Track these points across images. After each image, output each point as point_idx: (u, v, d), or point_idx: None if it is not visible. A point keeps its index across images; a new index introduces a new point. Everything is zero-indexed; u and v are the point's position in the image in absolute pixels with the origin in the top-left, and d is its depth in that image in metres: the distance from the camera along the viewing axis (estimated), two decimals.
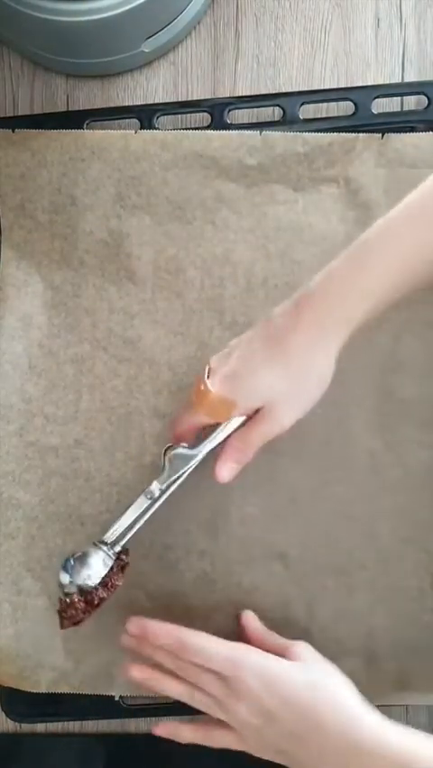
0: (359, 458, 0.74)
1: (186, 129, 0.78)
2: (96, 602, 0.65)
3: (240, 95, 0.81)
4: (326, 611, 0.74)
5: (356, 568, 0.74)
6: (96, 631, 0.73)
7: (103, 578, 0.65)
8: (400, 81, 0.81)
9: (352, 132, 0.76)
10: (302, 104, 0.77)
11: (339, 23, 0.81)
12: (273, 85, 0.81)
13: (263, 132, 0.76)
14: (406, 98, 0.79)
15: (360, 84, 0.80)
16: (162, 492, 0.66)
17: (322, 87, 0.81)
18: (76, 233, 0.77)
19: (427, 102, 0.77)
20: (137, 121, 0.78)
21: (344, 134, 0.75)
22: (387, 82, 0.81)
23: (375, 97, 0.77)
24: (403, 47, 0.80)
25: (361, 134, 0.75)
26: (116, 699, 0.74)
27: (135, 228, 0.77)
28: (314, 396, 0.63)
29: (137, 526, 0.66)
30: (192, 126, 0.79)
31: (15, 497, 0.76)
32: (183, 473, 0.66)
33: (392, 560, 0.74)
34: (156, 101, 0.82)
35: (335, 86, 0.80)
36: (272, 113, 0.79)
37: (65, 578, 0.65)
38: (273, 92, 0.81)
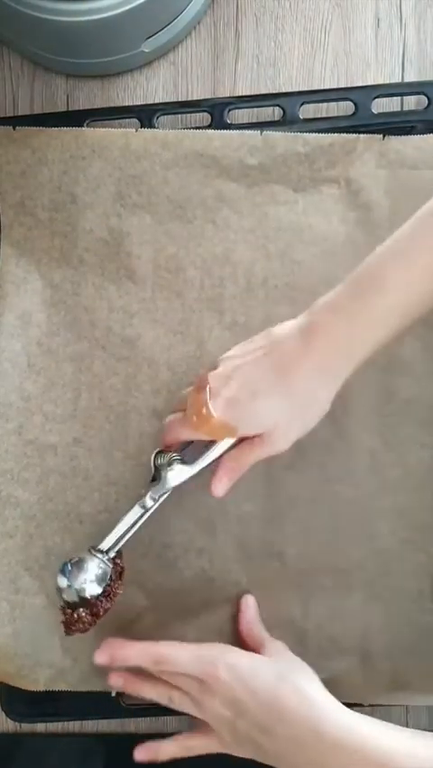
0: (359, 457, 0.75)
1: (186, 129, 0.78)
2: (101, 613, 0.66)
3: (240, 95, 0.81)
4: (322, 610, 0.74)
5: (355, 568, 0.74)
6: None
7: (105, 588, 0.66)
8: (400, 81, 0.81)
9: (352, 132, 0.76)
10: (302, 104, 0.77)
11: (339, 23, 0.81)
12: (273, 85, 0.81)
13: (264, 131, 0.76)
14: (406, 98, 0.79)
15: (360, 84, 0.80)
16: (155, 502, 0.67)
17: (322, 87, 0.81)
18: (76, 231, 0.77)
19: (427, 102, 0.77)
20: (137, 121, 0.78)
21: (345, 135, 0.76)
22: (387, 82, 0.81)
23: (375, 97, 0.77)
24: (403, 47, 0.80)
25: (362, 135, 0.75)
26: (113, 695, 0.74)
27: (135, 227, 0.77)
28: (312, 423, 0.64)
29: (129, 534, 0.67)
30: (192, 126, 0.79)
31: (14, 495, 0.75)
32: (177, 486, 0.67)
33: (391, 560, 0.74)
34: (156, 101, 0.82)
35: (335, 87, 0.80)
36: (272, 113, 0.79)
37: (63, 581, 0.66)
38: (273, 92, 0.81)
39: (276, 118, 0.78)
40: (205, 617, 0.74)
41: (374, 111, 0.77)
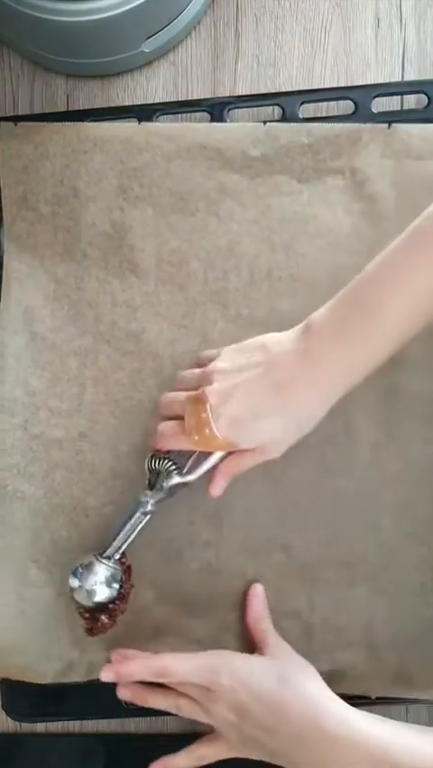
0: (362, 451, 0.75)
1: None
2: (118, 615, 0.71)
3: (240, 94, 0.81)
4: (327, 602, 0.74)
5: (358, 561, 0.74)
6: None
7: (119, 591, 0.70)
8: (400, 80, 0.80)
9: None
10: (302, 103, 0.77)
11: (339, 23, 0.80)
12: (273, 85, 0.81)
13: (267, 123, 0.75)
14: (406, 98, 0.78)
15: (360, 84, 0.79)
16: (155, 508, 0.70)
17: (322, 87, 0.80)
18: (78, 225, 0.77)
19: (427, 100, 0.76)
20: (136, 120, 0.77)
21: (350, 125, 0.75)
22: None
23: (375, 96, 0.76)
24: (403, 47, 0.80)
25: (367, 125, 0.75)
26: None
27: (138, 220, 0.76)
28: (305, 433, 0.66)
29: (131, 537, 0.70)
30: None
31: (20, 489, 0.76)
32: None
33: (394, 554, 0.74)
34: (156, 101, 0.82)
35: (334, 86, 0.80)
36: (272, 112, 0.78)
37: (74, 582, 0.69)
38: (273, 91, 0.80)
39: (276, 118, 0.78)
40: (211, 610, 0.75)
41: (374, 110, 0.76)
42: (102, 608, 0.70)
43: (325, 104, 0.78)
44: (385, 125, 0.74)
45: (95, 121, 0.78)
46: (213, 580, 0.75)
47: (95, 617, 0.70)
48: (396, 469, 0.74)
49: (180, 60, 0.82)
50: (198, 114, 0.78)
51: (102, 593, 0.69)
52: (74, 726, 0.79)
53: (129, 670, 0.69)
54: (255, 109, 0.78)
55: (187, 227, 0.76)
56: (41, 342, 0.77)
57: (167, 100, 0.82)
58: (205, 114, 0.78)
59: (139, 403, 0.76)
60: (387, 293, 0.61)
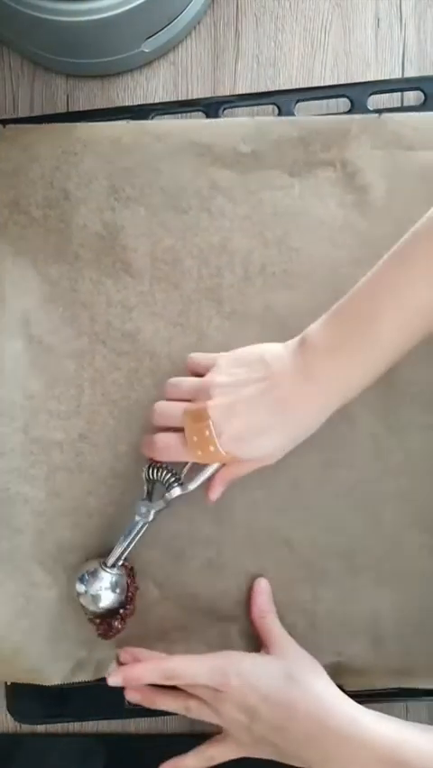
0: (362, 442, 0.75)
1: None
2: (128, 617, 0.74)
3: (237, 94, 0.81)
4: (331, 594, 0.75)
5: (361, 551, 0.75)
6: None
7: (126, 595, 0.73)
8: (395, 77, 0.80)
9: None
10: (298, 101, 0.77)
11: (339, 23, 0.80)
12: (273, 85, 0.81)
13: (256, 117, 0.75)
14: (406, 96, 0.78)
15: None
16: (155, 517, 0.72)
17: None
18: (70, 227, 0.76)
19: (424, 97, 0.76)
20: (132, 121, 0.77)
21: (339, 117, 0.75)
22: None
23: (371, 94, 0.76)
24: (403, 47, 0.80)
25: (357, 116, 0.74)
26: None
27: (130, 220, 0.76)
28: (301, 441, 0.68)
29: (132, 544, 0.72)
30: None
31: (22, 492, 0.76)
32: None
33: (397, 543, 0.74)
34: (156, 101, 0.82)
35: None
36: (268, 111, 0.78)
37: (81, 587, 0.72)
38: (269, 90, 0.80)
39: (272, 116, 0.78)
40: (215, 606, 0.75)
41: (370, 108, 0.76)
42: (113, 613, 0.73)
43: (321, 102, 0.78)
44: (375, 116, 0.74)
45: (90, 122, 0.77)
46: (216, 577, 0.75)
47: (107, 622, 0.73)
48: (396, 458, 0.74)
49: (180, 60, 0.82)
50: (194, 114, 0.78)
51: (107, 598, 0.71)
52: (74, 726, 0.80)
53: (137, 674, 0.69)
54: (251, 108, 0.78)
55: (179, 225, 0.76)
56: (38, 345, 0.77)
57: (167, 100, 0.82)
58: (201, 113, 0.78)
59: (137, 402, 0.76)
60: (382, 310, 0.62)
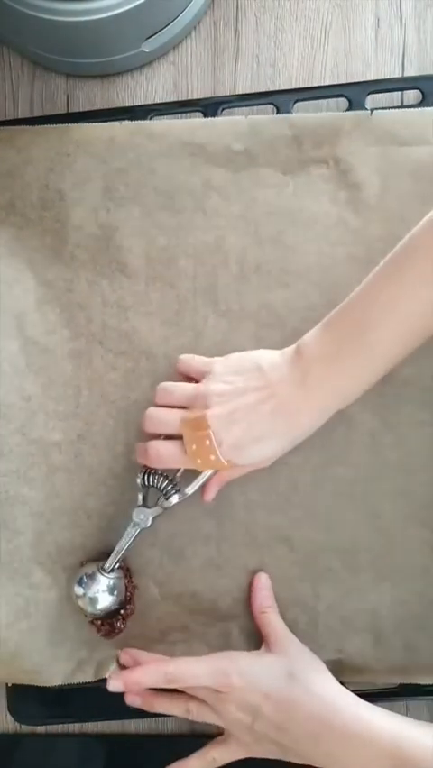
0: (359, 439, 0.75)
1: None
2: (129, 616, 0.75)
3: (236, 94, 0.81)
4: (332, 591, 0.75)
5: (360, 548, 0.75)
6: None
7: (125, 596, 0.74)
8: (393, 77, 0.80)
9: None
10: (296, 101, 0.77)
11: (339, 23, 0.80)
12: (273, 85, 0.81)
13: (249, 116, 0.75)
14: (406, 96, 0.78)
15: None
16: (152, 523, 0.72)
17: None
18: (65, 228, 0.77)
19: (421, 96, 0.76)
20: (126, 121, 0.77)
21: (332, 114, 0.75)
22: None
23: (369, 93, 0.76)
24: (403, 47, 0.80)
25: (349, 113, 0.74)
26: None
27: (125, 220, 0.76)
28: (296, 445, 0.69)
29: (128, 547, 0.72)
30: None
31: (21, 493, 0.76)
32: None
33: (396, 539, 0.74)
34: (156, 101, 0.82)
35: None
36: (267, 111, 0.78)
37: (79, 590, 0.72)
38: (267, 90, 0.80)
39: None
40: (216, 604, 0.75)
41: (369, 107, 0.76)
42: (114, 613, 0.73)
43: (320, 102, 0.78)
44: (367, 113, 0.74)
45: (89, 122, 0.77)
46: (217, 576, 0.76)
47: (109, 623, 0.74)
48: (394, 454, 0.74)
49: (180, 60, 0.82)
50: (193, 114, 0.78)
51: (105, 600, 0.72)
52: (74, 726, 0.80)
53: (137, 678, 0.69)
54: (250, 108, 0.78)
55: (174, 225, 0.76)
56: (34, 347, 0.77)
57: (167, 100, 0.82)
58: (199, 113, 0.78)
59: (135, 403, 0.76)
60: (377, 319, 0.63)
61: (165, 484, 0.70)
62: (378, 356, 0.64)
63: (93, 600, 0.72)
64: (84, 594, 0.72)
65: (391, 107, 0.76)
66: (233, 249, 0.76)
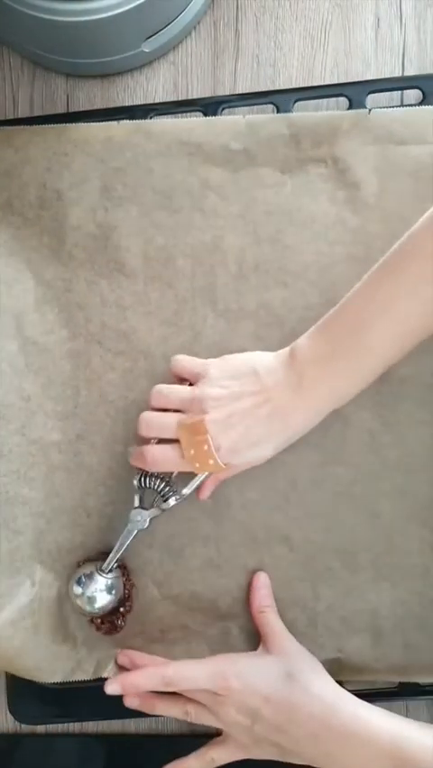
0: (358, 439, 0.75)
1: None
2: (129, 612, 0.76)
3: (236, 93, 0.81)
4: (331, 591, 0.75)
5: (360, 548, 0.75)
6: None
7: (124, 593, 0.74)
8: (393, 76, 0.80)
9: None
10: (296, 101, 0.76)
11: (339, 23, 0.80)
12: (273, 85, 0.81)
13: (247, 116, 0.75)
14: (406, 95, 0.77)
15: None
16: (150, 523, 0.72)
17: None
18: (63, 227, 0.77)
19: (422, 96, 0.76)
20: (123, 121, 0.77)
21: (330, 113, 0.75)
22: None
23: (369, 93, 0.76)
24: (403, 47, 0.79)
25: (347, 112, 0.74)
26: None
27: (123, 220, 0.76)
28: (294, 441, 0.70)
29: (126, 548, 0.73)
30: None
31: (21, 494, 0.76)
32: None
33: (396, 538, 0.74)
34: (156, 101, 0.82)
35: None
36: (266, 110, 0.77)
37: (78, 590, 0.73)
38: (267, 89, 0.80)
39: None
40: (215, 604, 0.76)
41: (369, 107, 0.75)
42: (113, 612, 0.74)
43: (320, 102, 0.78)
44: (366, 112, 0.74)
45: (89, 122, 0.77)
46: (216, 575, 0.76)
47: (110, 621, 0.75)
48: (393, 454, 0.74)
49: (180, 60, 0.82)
50: (193, 114, 0.78)
51: (103, 599, 0.72)
52: (74, 726, 0.80)
53: (135, 682, 0.69)
54: (250, 108, 0.78)
55: (172, 224, 0.76)
56: (33, 347, 0.77)
57: (167, 100, 0.82)
58: (199, 113, 0.78)
59: (133, 402, 0.76)
60: (371, 322, 0.63)
61: (162, 486, 0.71)
62: (373, 357, 0.64)
63: (91, 600, 0.72)
64: (82, 593, 0.72)
65: (392, 107, 0.76)
66: (231, 248, 0.76)
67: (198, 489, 0.71)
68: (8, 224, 0.77)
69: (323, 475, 0.75)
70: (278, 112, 0.76)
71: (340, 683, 0.68)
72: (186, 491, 0.70)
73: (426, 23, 0.80)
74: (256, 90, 0.81)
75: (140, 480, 0.72)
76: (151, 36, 0.77)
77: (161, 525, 0.74)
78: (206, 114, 0.77)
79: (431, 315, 0.62)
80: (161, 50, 0.81)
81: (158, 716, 0.75)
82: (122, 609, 0.74)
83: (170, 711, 0.71)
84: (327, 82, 0.80)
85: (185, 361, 0.71)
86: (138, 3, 0.68)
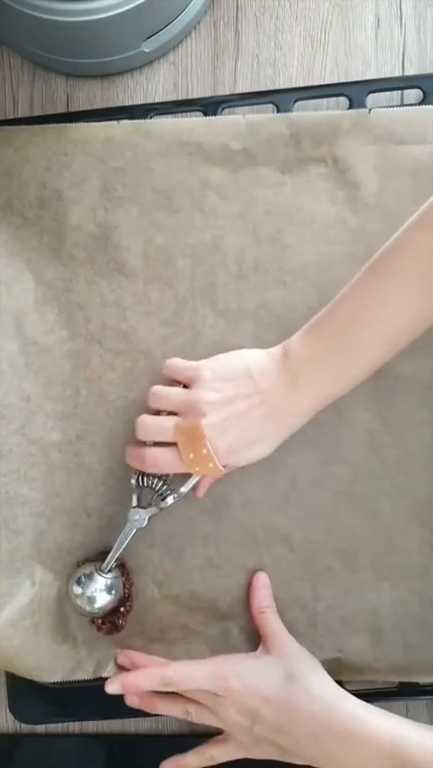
0: (358, 439, 0.75)
1: None
2: (129, 612, 0.76)
3: (235, 93, 0.81)
4: (331, 591, 0.75)
5: (360, 548, 0.75)
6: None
7: (124, 593, 0.74)
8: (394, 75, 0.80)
9: None
10: (296, 100, 0.76)
11: (339, 23, 0.80)
12: (273, 85, 0.81)
13: (247, 115, 0.75)
14: (407, 95, 0.77)
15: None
16: (149, 522, 0.73)
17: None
18: (63, 227, 0.76)
19: (422, 95, 0.76)
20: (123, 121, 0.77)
21: (330, 113, 0.75)
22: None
23: (369, 92, 0.76)
24: (403, 47, 0.79)
25: (347, 112, 0.74)
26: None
27: (123, 219, 0.76)
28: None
29: (125, 547, 0.73)
30: None
31: (21, 494, 0.76)
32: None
33: (396, 538, 0.74)
34: (156, 101, 0.82)
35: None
36: (267, 110, 0.77)
37: (78, 590, 0.73)
38: (267, 89, 0.80)
39: None
40: (215, 604, 0.76)
41: (369, 106, 0.75)
42: (114, 611, 0.74)
43: (320, 101, 0.78)
44: (366, 112, 0.74)
45: (89, 122, 0.77)
46: (216, 575, 0.76)
47: (111, 621, 0.75)
48: (393, 454, 0.75)
49: (180, 60, 0.82)
50: (193, 114, 0.78)
51: (102, 599, 0.73)
52: (74, 726, 0.80)
53: (135, 682, 0.69)
54: (250, 108, 0.78)
55: (171, 224, 0.76)
56: (33, 347, 0.77)
57: (167, 100, 0.82)
58: (199, 113, 0.78)
59: (132, 402, 0.76)
60: (360, 322, 0.64)
61: (160, 485, 0.71)
62: (362, 358, 0.65)
63: (91, 600, 0.72)
64: (82, 594, 0.72)
65: (392, 107, 0.76)
66: (231, 248, 0.76)
67: (196, 488, 0.71)
68: (8, 224, 0.77)
69: (323, 475, 0.75)
70: (278, 112, 0.76)
71: (340, 683, 0.69)
72: (183, 489, 0.70)
73: (426, 23, 0.80)
74: (256, 90, 0.81)
75: (137, 479, 0.72)
76: (151, 36, 0.77)
77: (160, 524, 0.74)
78: (206, 114, 0.77)
79: (425, 311, 0.63)
80: (161, 50, 0.81)
81: (158, 715, 0.75)
82: (122, 609, 0.74)
83: (171, 711, 0.71)
84: (327, 82, 0.80)
85: (177, 364, 0.71)
86: (138, 3, 0.68)
